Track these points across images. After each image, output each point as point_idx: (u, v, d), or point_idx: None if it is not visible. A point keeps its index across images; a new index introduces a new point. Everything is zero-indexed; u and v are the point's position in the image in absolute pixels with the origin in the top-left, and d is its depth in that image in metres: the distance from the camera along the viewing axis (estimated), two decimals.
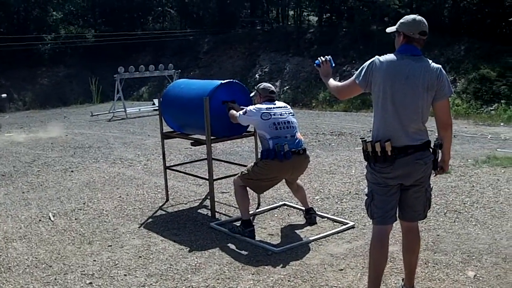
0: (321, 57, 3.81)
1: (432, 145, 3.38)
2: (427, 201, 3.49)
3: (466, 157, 8.16)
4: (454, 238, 4.77)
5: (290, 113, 5.13)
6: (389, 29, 3.46)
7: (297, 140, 4.95)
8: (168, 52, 26.72)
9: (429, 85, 3.25)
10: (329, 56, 3.82)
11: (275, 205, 6.00)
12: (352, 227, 5.16)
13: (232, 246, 4.81)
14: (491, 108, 14.44)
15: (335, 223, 5.32)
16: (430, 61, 3.32)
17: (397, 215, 3.47)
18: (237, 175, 5.20)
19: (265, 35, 26.27)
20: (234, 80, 5.87)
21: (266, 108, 5.00)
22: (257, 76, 23.08)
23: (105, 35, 26.91)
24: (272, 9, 31.39)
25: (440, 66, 3.33)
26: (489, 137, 10.20)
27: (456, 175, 6.98)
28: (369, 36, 20.67)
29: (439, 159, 3.43)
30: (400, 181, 3.33)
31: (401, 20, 3.37)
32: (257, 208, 5.92)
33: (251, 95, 5.53)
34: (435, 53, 18.17)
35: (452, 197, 6.04)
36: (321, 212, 5.64)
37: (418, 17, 3.32)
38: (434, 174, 3.48)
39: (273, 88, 5.32)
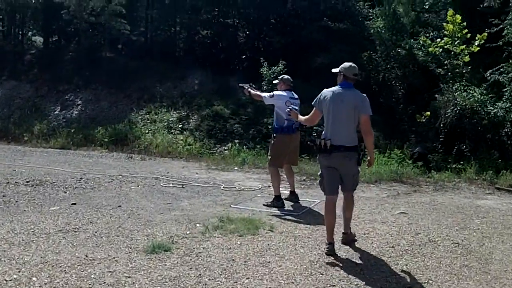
0: (289, 107, 6.05)
1: None
2: None
3: (195, 220, 6.39)
4: None
5: (298, 104, 7.11)
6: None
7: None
8: None
9: None
10: (291, 106, 6.25)
11: None
12: None
13: None
14: (225, 148, 13.40)
15: None
16: None
17: None
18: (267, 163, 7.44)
19: None
20: None
21: (290, 97, 7.05)
22: None
23: None
24: None
25: None
26: (222, 187, 8.70)
27: (178, 255, 5.05)
28: (97, 62, 18.39)
29: None
30: None
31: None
32: None
33: (274, 82, 7.72)
34: (167, 86, 16.83)
35: None
36: None
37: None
38: None
39: (291, 80, 7.35)
